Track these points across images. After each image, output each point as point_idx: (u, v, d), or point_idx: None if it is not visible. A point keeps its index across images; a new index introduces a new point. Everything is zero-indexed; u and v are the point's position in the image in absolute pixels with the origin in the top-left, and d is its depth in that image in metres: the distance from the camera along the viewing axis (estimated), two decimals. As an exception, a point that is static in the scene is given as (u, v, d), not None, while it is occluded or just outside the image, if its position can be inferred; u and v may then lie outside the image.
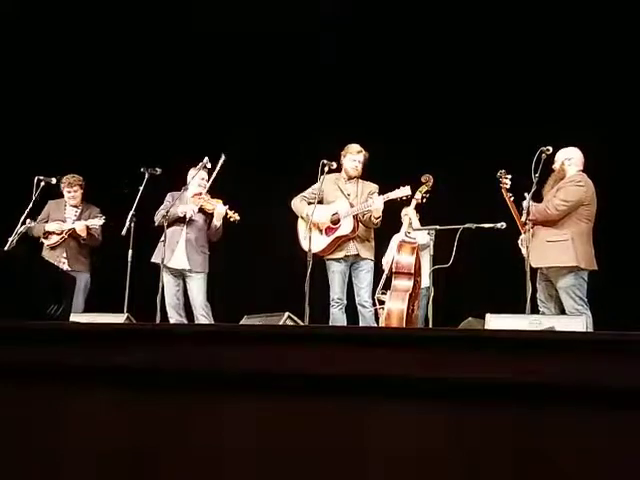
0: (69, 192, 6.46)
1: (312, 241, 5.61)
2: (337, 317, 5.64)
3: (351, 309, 5.80)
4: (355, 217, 5.66)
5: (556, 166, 5.28)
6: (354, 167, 5.78)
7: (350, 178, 5.79)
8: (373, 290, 5.77)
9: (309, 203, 5.76)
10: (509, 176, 5.21)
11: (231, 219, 6.03)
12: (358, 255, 5.67)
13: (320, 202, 5.75)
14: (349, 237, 5.66)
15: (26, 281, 2.72)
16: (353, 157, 5.77)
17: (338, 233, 5.68)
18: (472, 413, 1.69)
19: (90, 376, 1.96)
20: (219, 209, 6.01)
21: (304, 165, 6.18)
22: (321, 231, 5.74)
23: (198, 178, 6.18)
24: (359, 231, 5.67)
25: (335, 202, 5.78)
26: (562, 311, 5.12)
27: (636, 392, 1.62)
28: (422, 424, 1.73)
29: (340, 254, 5.68)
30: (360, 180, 5.83)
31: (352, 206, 5.67)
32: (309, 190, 5.82)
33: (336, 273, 5.69)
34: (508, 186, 5.20)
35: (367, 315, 5.62)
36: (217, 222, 6.04)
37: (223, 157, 6.01)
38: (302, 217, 5.76)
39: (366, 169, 5.90)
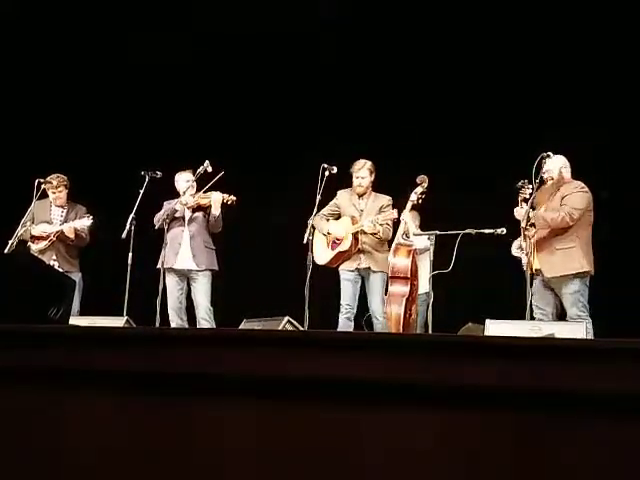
0: (54, 193, 6.38)
1: (320, 253, 5.84)
2: (343, 324, 5.69)
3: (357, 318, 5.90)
4: (354, 234, 5.73)
5: (553, 175, 5.24)
6: (358, 184, 5.86)
7: (359, 195, 5.87)
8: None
9: (327, 220, 5.92)
10: (530, 186, 5.20)
11: (229, 202, 6.03)
12: (369, 268, 5.74)
13: (339, 217, 5.92)
14: (349, 253, 5.75)
15: (26, 284, 2.72)
16: (356, 174, 5.85)
17: (339, 249, 5.79)
18: (472, 419, 1.69)
19: (90, 379, 1.96)
20: (215, 197, 6.02)
21: (304, 168, 6.19)
22: (328, 244, 5.87)
23: (183, 181, 6.23)
24: (371, 244, 5.74)
25: (342, 219, 5.89)
26: (560, 317, 5.13)
27: (635, 398, 1.62)
28: (421, 429, 1.73)
29: (352, 266, 5.77)
30: (373, 194, 5.89)
31: (354, 223, 5.76)
32: (327, 207, 5.94)
33: (345, 282, 5.78)
34: (527, 196, 5.20)
35: (377, 327, 5.67)
36: (216, 211, 6.04)
37: (222, 173, 6.02)
38: (324, 234, 5.89)
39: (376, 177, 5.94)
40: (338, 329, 5.60)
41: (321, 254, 5.86)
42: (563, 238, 5.12)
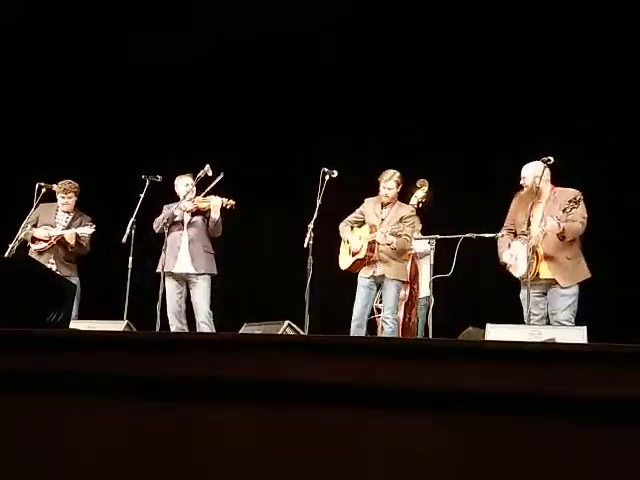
0: (63, 198, 6.40)
1: (343, 258, 6.00)
2: (354, 332, 5.73)
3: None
4: (369, 243, 5.81)
5: (527, 183, 5.24)
6: (385, 194, 5.92)
7: (383, 204, 5.94)
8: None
9: (352, 227, 6.05)
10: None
11: (227, 207, 6.05)
12: (384, 275, 5.80)
13: (363, 223, 6.01)
14: (365, 261, 5.83)
15: (27, 288, 2.73)
16: (382, 185, 5.91)
17: (357, 256, 5.89)
18: (472, 423, 1.69)
19: (90, 383, 1.96)
20: (214, 202, 6.04)
21: (305, 171, 6.20)
22: (349, 250, 5.97)
23: (183, 185, 6.24)
24: (387, 253, 5.79)
25: (363, 227, 5.99)
26: (548, 324, 5.15)
27: (634, 404, 1.62)
28: (421, 433, 1.73)
29: (368, 273, 5.85)
30: (397, 204, 5.96)
31: (371, 232, 5.85)
32: (353, 214, 6.07)
33: (361, 288, 5.86)
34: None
35: (387, 331, 5.73)
36: (215, 215, 6.07)
37: (221, 175, 6.03)
38: (343, 241, 6.03)
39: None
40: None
41: (343, 260, 6.00)
42: (571, 247, 5.15)
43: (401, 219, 5.82)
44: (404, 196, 6.11)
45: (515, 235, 5.31)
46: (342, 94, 7.25)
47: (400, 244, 5.75)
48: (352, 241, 5.92)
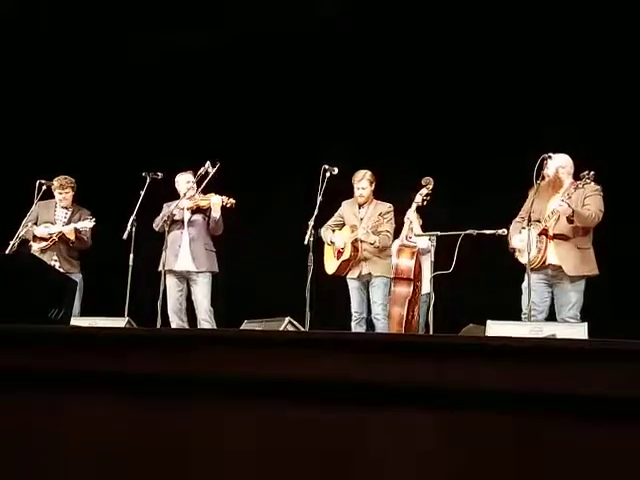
0: (60, 194, 6.43)
1: (329, 263, 6.07)
2: (355, 330, 5.81)
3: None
4: (352, 243, 5.87)
5: (549, 172, 5.25)
6: (359, 195, 6.03)
7: (360, 204, 6.02)
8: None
9: (333, 230, 6.11)
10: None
11: (227, 205, 6.05)
12: (370, 274, 5.88)
13: (344, 226, 6.09)
14: (351, 261, 5.90)
15: (28, 285, 2.73)
16: (356, 185, 6.03)
17: (342, 258, 5.96)
18: (472, 420, 1.69)
19: (90, 380, 1.96)
20: (214, 200, 6.06)
21: (305, 169, 6.20)
22: (334, 254, 6.04)
23: (184, 182, 6.25)
24: (372, 251, 5.88)
25: (344, 229, 6.07)
26: (552, 319, 5.14)
27: (635, 402, 1.62)
28: (422, 430, 1.73)
29: (355, 273, 5.94)
30: (374, 202, 6.04)
31: (352, 232, 5.92)
32: (333, 218, 6.15)
33: (352, 290, 5.99)
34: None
35: (380, 327, 5.81)
36: (215, 214, 6.08)
37: (217, 165, 6.04)
38: (328, 244, 6.10)
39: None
40: None
41: (329, 264, 6.06)
42: (583, 238, 5.14)
43: (379, 216, 5.87)
44: (406, 195, 6.09)
45: (529, 223, 5.28)
46: (342, 91, 7.25)
47: (382, 241, 5.85)
48: (336, 240, 5.98)
